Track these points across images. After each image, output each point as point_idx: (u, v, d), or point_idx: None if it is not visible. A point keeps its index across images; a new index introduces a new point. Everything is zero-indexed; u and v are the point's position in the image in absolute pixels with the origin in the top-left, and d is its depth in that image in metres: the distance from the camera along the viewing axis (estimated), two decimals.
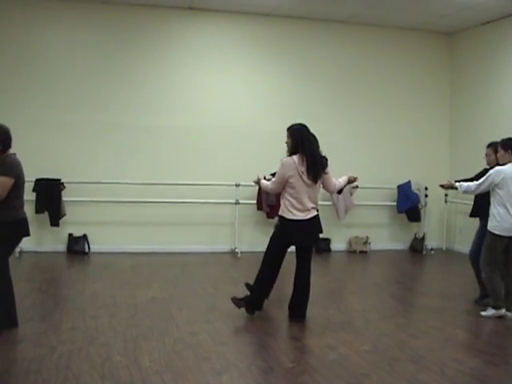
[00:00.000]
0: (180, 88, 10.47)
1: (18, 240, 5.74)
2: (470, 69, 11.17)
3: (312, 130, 10.88)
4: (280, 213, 6.18)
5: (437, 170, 11.32)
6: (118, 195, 9.98)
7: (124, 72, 10.26)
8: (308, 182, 6.03)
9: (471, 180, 6.90)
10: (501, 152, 6.55)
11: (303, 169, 6.00)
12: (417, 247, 11.19)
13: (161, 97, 10.39)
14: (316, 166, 6.04)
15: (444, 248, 11.31)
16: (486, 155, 7.03)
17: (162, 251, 10.17)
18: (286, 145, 6.24)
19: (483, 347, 5.48)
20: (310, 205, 6.11)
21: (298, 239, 6.19)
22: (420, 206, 11.19)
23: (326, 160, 6.16)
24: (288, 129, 6.27)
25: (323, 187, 6.37)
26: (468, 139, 10.95)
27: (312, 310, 6.54)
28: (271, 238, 6.31)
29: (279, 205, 9.89)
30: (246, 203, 10.26)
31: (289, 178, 6.02)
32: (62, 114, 9.94)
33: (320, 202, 10.73)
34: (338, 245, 11.07)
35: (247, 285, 6.49)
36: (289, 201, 6.08)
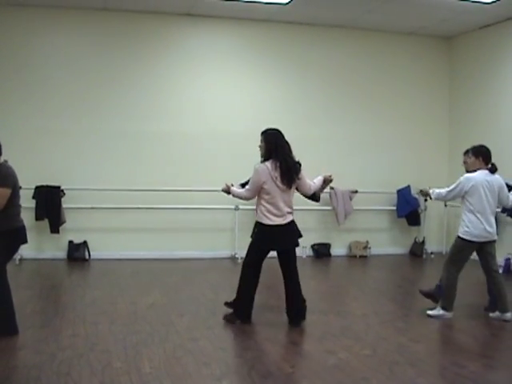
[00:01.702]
0: (180, 94, 10.49)
1: (17, 248, 5.76)
2: (468, 73, 11.20)
3: (312, 135, 10.97)
4: (257, 219, 6.20)
5: (436, 174, 11.32)
6: (118, 202, 9.99)
7: (123, 79, 10.27)
8: (282, 187, 6.05)
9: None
10: (471, 159, 6.64)
11: (277, 174, 6.02)
12: (417, 251, 11.19)
13: (160, 103, 10.41)
14: (290, 171, 6.06)
15: (444, 252, 11.28)
16: (465, 162, 7.05)
17: (162, 257, 10.17)
18: (259, 148, 6.28)
19: (483, 351, 5.48)
20: (286, 209, 6.14)
21: (279, 244, 6.19)
22: (420, 211, 11.20)
23: (300, 165, 6.18)
24: (262, 133, 6.29)
25: (298, 191, 6.40)
26: (467, 143, 10.74)
27: (312, 315, 6.54)
28: (250, 246, 6.31)
29: None
30: (246, 209, 10.26)
31: (263, 185, 6.05)
32: (61, 121, 9.95)
33: (320, 207, 10.96)
34: (337, 249, 11.07)
35: (226, 304, 6.55)
36: (265, 206, 6.11)
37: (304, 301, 6.30)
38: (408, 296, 8.11)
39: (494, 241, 6.61)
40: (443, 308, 6.60)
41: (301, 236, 6.33)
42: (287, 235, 6.20)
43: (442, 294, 6.66)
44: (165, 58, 10.49)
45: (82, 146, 10.08)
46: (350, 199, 10.88)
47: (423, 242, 11.15)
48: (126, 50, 10.28)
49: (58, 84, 9.99)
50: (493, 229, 6.51)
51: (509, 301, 6.57)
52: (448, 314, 6.57)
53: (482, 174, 6.49)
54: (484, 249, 6.57)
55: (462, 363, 5.10)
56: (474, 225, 6.43)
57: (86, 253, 9.96)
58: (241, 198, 6.47)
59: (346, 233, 11.07)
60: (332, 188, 10.73)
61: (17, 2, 9.58)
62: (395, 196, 11.19)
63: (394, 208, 11.22)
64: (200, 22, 10.48)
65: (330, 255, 10.96)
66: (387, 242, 11.43)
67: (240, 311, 6.29)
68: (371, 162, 11.23)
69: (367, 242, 11.07)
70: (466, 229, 6.47)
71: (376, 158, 11.26)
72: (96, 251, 10.00)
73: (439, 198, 6.89)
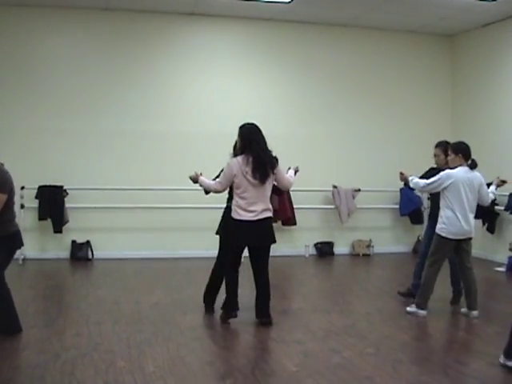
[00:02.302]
0: (183, 93, 10.50)
1: (14, 253, 5.73)
2: (470, 71, 11.18)
3: (315, 133, 10.94)
4: (231, 214, 6.17)
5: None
6: (121, 201, 10.00)
7: (126, 78, 10.29)
8: (254, 181, 5.99)
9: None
10: (451, 156, 6.61)
11: (247, 169, 5.98)
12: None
13: (163, 103, 10.42)
14: (263, 166, 5.99)
15: None
16: (435, 155, 7.03)
17: (166, 257, 10.18)
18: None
19: (486, 349, 5.47)
20: (260, 206, 6.02)
21: (246, 240, 6.14)
22: (423, 209, 11.19)
23: (277, 160, 6.11)
24: (239, 128, 6.27)
25: (278, 185, 6.31)
26: (470, 141, 10.70)
27: (315, 314, 6.56)
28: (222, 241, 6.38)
29: (281, 209, 10.10)
30: None
31: (234, 178, 6.03)
32: (64, 121, 9.97)
33: (323, 206, 10.97)
34: (341, 248, 11.07)
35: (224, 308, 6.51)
36: (236, 201, 6.09)
37: (268, 302, 6.22)
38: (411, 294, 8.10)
39: (470, 238, 6.57)
40: (417, 305, 6.63)
41: (273, 240, 6.18)
42: (256, 232, 6.07)
43: (419, 291, 6.71)
44: (167, 57, 10.50)
45: (85, 145, 10.09)
46: (353, 198, 10.89)
47: None
48: (128, 50, 10.29)
49: (62, 83, 10.01)
50: (470, 226, 6.47)
51: (477, 299, 6.57)
52: (422, 312, 6.57)
53: (462, 171, 6.47)
54: (460, 245, 6.56)
55: (465, 361, 5.11)
56: (451, 221, 6.41)
57: (89, 252, 9.97)
58: (210, 189, 6.41)
59: (349, 231, 11.07)
60: (335, 186, 10.78)
61: (18, 2, 9.59)
62: (398, 194, 11.17)
63: (397, 206, 11.21)
64: (203, 21, 10.49)
65: (333, 254, 10.95)
66: (390, 241, 11.43)
67: (229, 309, 6.25)
68: (374, 161, 11.22)
69: (370, 240, 11.07)
70: (443, 225, 6.46)
71: (379, 157, 11.25)
72: (99, 251, 10.01)
73: (416, 187, 6.89)
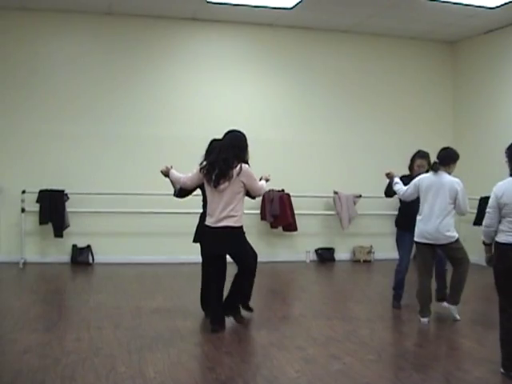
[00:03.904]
0: (184, 98, 10.50)
1: None
2: (473, 77, 11.19)
3: (316, 139, 10.91)
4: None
5: None
6: (122, 206, 10.00)
7: (127, 83, 10.30)
8: (210, 187, 6.00)
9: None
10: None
11: (202, 175, 6.07)
12: None
13: (164, 107, 10.42)
14: (212, 172, 5.95)
15: None
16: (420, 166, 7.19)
17: (167, 261, 10.16)
18: None
19: (488, 356, 5.45)
20: (223, 213, 5.93)
21: (206, 246, 6.23)
22: None
23: (239, 167, 5.92)
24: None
25: (250, 192, 6.19)
26: (472, 148, 10.92)
27: (316, 320, 6.55)
28: None
29: (282, 215, 10.09)
30: (250, 213, 10.22)
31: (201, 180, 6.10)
32: (65, 125, 9.96)
33: (324, 212, 10.96)
34: (341, 254, 11.06)
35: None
36: (206, 207, 6.14)
37: (235, 300, 6.35)
38: (412, 301, 8.07)
39: (448, 243, 6.51)
40: (419, 313, 6.65)
41: (238, 249, 6.13)
42: (215, 239, 6.05)
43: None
44: (168, 61, 10.51)
45: (87, 150, 10.08)
46: (354, 204, 10.88)
47: None
48: (128, 54, 10.29)
49: (63, 87, 10.01)
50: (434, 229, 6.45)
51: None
52: (423, 320, 6.56)
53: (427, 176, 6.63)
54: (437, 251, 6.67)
55: (467, 368, 5.09)
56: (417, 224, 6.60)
57: (90, 257, 9.96)
58: (178, 182, 6.40)
59: (349, 237, 11.06)
60: (336, 192, 10.77)
61: (20, 6, 9.60)
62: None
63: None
64: (204, 27, 10.50)
65: (333, 260, 10.94)
66: (391, 247, 11.27)
67: (212, 319, 6.23)
68: (375, 167, 11.17)
69: (371, 246, 11.06)
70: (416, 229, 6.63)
71: (380, 163, 11.19)
72: (100, 255, 10.00)
73: (398, 193, 7.09)
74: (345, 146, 11.12)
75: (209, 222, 6.05)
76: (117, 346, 5.48)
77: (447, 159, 6.57)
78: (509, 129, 10.13)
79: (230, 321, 6.36)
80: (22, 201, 9.59)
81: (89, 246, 9.98)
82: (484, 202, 6.95)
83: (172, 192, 6.84)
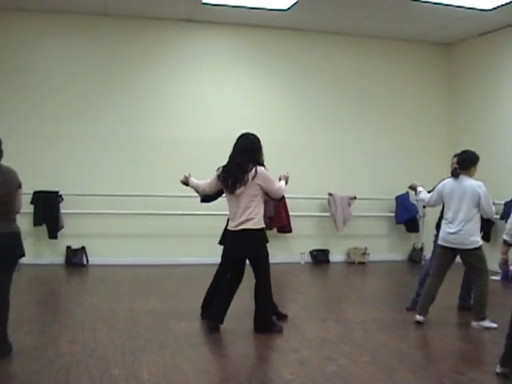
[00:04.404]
0: (179, 99, 10.50)
1: None
2: (467, 79, 11.22)
3: (311, 141, 10.91)
4: None
5: (435, 180, 11.22)
6: (117, 207, 9.98)
7: (122, 84, 10.28)
8: (228, 191, 6.04)
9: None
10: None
11: (222, 178, 6.06)
12: (415, 258, 11.17)
13: (160, 108, 10.41)
14: (230, 176, 5.98)
15: None
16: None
17: (161, 263, 10.14)
18: None
19: (483, 358, 5.47)
20: (242, 217, 5.97)
21: (228, 250, 6.22)
22: (418, 217, 11.19)
23: (255, 170, 5.95)
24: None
25: (269, 194, 6.19)
26: (466, 149, 10.95)
27: (311, 322, 6.54)
28: None
29: (277, 216, 10.08)
30: None
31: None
32: (59, 126, 9.94)
33: (318, 213, 10.96)
34: (336, 256, 11.06)
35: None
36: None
37: (265, 316, 6.13)
38: (407, 303, 8.08)
39: (472, 249, 6.46)
40: (416, 310, 6.71)
41: (255, 251, 6.10)
42: (236, 242, 6.08)
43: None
44: (164, 63, 10.51)
45: (80, 151, 10.07)
46: (349, 205, 10.89)
47: (422, 248, 11.13)
48: (124, 55, 10.29)
49: (58, 89, 9.99)
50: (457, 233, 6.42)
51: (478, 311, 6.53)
52: (418, 317, 6.59)
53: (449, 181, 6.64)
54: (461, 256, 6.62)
55: (461, 370, 5.09)
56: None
57: (84, 258, 9.93)
58: (198, 189, 6.41)
59: (344, 239, 11.06)
60: (331, 194, 10.78)
61: (16, 6, 9.58)
62: (394, 202, 11.18)
63: (393, 214, 11.22)
64: (200, 28, 10.50)
65: (328, 261, 10.94)
66: (386, 249, 11.42)
67: (210, 315, 6.25)
68: (370, 168, 11.23)
69: (366, 248, 11.07)
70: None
71: (375, 164, 11.26)
72: (94, 257, 9.98)
73: (423, 201, 7.08)
74: (340, 147, 11.13)
75: (230, 226, 6.11)
76: (111, 348, 5.47)
77: (467, 163, 6.50)
78: (503, 130, 10.16)
79: (224, 322, 6.35)
80: None
81: (83, 248, 9.96)
82: None
83: (197, 196, 6.76)
